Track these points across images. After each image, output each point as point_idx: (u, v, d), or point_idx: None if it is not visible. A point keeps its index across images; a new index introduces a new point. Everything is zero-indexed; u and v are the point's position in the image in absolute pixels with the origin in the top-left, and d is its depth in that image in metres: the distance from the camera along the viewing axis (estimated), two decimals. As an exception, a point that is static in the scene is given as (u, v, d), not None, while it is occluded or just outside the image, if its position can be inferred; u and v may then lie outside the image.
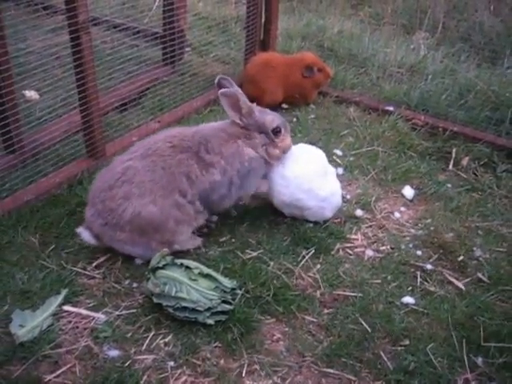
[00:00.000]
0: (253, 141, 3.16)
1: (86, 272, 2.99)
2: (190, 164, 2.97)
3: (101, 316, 2.73)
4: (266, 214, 3.49)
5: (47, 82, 3.91)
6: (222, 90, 3.06)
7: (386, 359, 2.60)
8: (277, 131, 3.20)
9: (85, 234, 2.97)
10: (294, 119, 4.68)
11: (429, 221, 3.55)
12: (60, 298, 2.77)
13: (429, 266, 3.17)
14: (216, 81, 3.21)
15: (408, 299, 2.93)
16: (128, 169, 2.90)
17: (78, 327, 2.68)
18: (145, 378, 2.44)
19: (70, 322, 2.70)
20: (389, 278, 3.07)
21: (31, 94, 4.38)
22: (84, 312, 2.75)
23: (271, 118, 3.21)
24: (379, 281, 3.05)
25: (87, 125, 3.63)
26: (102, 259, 3.06)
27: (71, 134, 3.92)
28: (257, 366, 2.54)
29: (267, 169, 3.29)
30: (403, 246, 3.31)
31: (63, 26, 4.01)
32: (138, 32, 5.05)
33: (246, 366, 2.53)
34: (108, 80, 4.26)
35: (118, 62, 4.32)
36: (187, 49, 5.41)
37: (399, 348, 2.66)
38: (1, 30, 3.20)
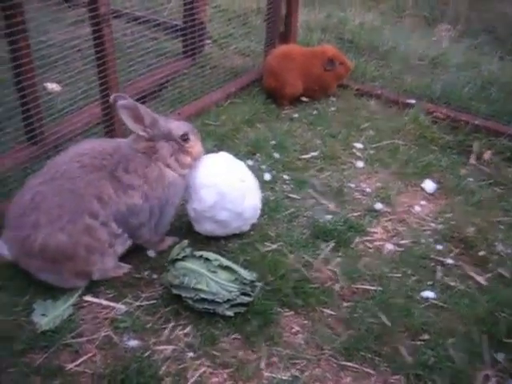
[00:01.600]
0: (160, 152, 2.94)
1: (107, 263, 3.01)
2: (102, 184, 2.74)
3: (121, 306, 2.75)
4: (286, 206, 3.49)
5: (68, 74, 3.94)
6: (121, 102, 2.83)
7: (405, 353, 2.59)
8: (185, 138, 3.01)
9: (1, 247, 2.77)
10: (315, 112, 4.66)
11: (449, 215, 3.51)
12: (80, 289, 2.80)
13: (449, 261, 3.14)
14: (111, 98, 2.96)
15: (428, 293, 2.91)
16: (36, 195, 2.69)
17: (98, 317, 2.70)
18: (164, 368, 2.46)
19: (91, 312, 2.73)
20: (409, 272, 3.06)
21: (53, 86, 4.43)
22: (104, 302, 2.78)
23: (177, 125, 3.03)
24: (399, 275, 3.03)
25: (108, 117, 3.66)
26: (122, 250, 3.08)
27: (92, 126, 3.94)
28: (275, 359, 2.54)
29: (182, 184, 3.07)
30: (423, 240, 3.29)
31: (84, 19, 4.04)
32: (159, 24, 5.05)
33: (264, 358, 2.54)
34: (128, 73, 4.28)
35: (139, 55, 4.35)
36: (207, 41, 5.41)
37: (418, 342, 2.65)
38: (23, 23, 3.23)
